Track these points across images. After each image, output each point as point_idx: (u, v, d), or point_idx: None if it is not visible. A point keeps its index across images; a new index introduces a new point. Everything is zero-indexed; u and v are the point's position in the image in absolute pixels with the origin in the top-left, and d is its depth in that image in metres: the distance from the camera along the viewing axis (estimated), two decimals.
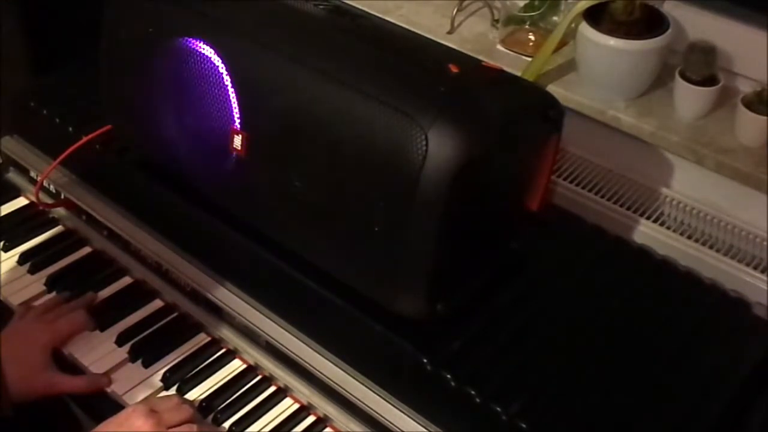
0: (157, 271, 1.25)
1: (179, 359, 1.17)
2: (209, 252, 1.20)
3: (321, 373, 1.09)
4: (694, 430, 1.01)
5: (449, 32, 1.50)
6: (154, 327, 1.21)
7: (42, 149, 1.38)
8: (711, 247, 1.27)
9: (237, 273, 1.17)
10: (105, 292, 1.26)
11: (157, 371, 1.16)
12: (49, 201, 1.36)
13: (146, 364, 1.16)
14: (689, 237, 1.29)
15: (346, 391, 1.07)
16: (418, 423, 1.02)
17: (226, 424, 1.10)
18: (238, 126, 1.06)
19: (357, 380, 1.07)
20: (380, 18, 1.20)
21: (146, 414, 1.03)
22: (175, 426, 1.04)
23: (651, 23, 1.30)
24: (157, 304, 1.25)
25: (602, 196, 1.35)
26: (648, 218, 1.32)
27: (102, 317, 1.22)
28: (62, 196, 1.35)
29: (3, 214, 1.38)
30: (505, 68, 1.07)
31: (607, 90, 1.34)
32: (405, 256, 0.97)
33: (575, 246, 1.21)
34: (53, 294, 1.26)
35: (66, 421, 1.29)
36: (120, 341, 1.19)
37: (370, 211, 0.97)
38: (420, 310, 1.01)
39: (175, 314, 1.23)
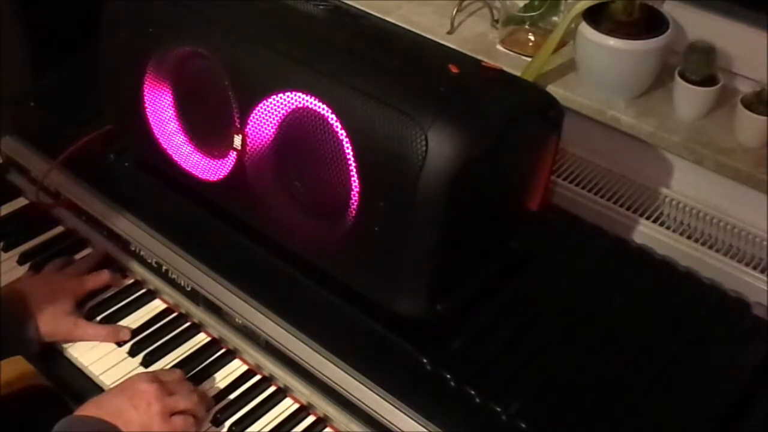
0: (157, 271, 1.25)
1: (179, 359, 1.17)
2: (209, 252, 1.20)
3: (321, 373, 1.09)
4: (695, 429, 1.01)
5: (449, 32, 1.50)
6: (154, 327, 1.21)
7: (42, 149, 1.38)
8: (711, 247, 1.27)
9: (237, 273, 1.17)
10: (105, 293, 1.26)
11: None
12: (49, 201, 1.36)
13: (146, 364, 1.16)
14: (689, 237, 1.29)
15: (346, 391, 1.07)
16: (418, 423, 1.02)
17: (226, 424, 1.10)
18: (238, 125, 1.06)
19: (357, 380, 1.07)
20: (380, 18, 1.20)
21: (150, 379, 1.07)
22: (176, 394, 1.07)
23: (651, 23, 1.30)
24: (157, 304, 1.25)
25: (602, 196, 1.35)
26: (648, 218, 1.32)
27: (102, 317, 1.22)
28: (62, 196, 1.35)
29: (3, 214, 1.38)
30: (505, 68, 1.07)
31: (607, 90, 1.34)
32: (405, 256, 0.97)
33: (575, 246, 1.21)
34: None
35: None
36: (120, 341, 1.19)
37: (370, 211, 0.97)
38: (420, 310, 1.02)
39: (175, 314, 1.23)
